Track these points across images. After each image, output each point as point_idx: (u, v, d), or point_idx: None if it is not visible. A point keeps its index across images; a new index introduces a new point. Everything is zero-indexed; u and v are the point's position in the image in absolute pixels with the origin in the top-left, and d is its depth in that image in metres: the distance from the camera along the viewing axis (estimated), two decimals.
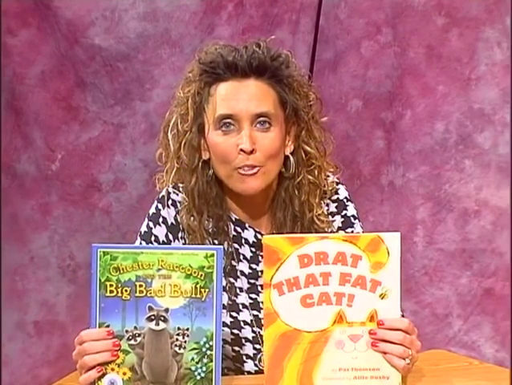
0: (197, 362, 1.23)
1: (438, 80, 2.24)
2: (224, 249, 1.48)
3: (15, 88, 2.20)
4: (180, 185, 1.51)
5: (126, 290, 1.21)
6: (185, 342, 1.23)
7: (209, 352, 1.23)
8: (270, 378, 1.23)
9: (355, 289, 1.22)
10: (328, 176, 1.53)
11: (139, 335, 1.22)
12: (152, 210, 1.51)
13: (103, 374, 1.23)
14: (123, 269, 1.21)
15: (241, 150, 1.38)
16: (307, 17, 2.25)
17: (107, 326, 1.22)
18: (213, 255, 1.23)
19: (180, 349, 1.23)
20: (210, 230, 1.48)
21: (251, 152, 1.38)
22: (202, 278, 1.23)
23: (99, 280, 1.21)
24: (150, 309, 1.22)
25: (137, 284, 1.21)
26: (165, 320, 1.22)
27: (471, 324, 2.29)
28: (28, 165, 2.24)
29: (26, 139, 2.23)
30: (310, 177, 1.48)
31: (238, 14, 2.24)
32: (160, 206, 1.51)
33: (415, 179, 2.29)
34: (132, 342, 1.22)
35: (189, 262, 1.22)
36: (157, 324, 1.22)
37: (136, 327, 1.22)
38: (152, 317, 1.22)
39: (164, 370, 1.23)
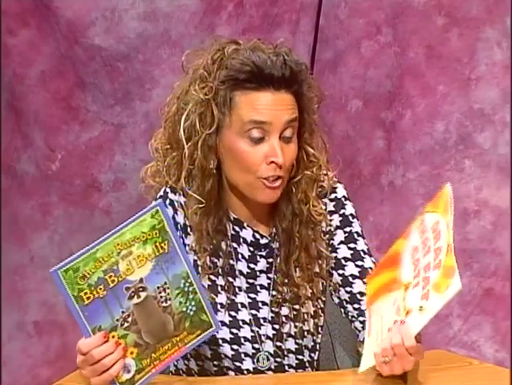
0: (186, 302, 1.27)
1: (438, 80, 2.24)
2: (221, 247, 1.48)
3: (15, 88, 2.20)
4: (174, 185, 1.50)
5: (100, 289, 1.21)
6: (168, 294, 1.26)
7: (191, 288, 1.28)
8: (375, 270, 1.41)
9: (421, 282, 1.26)
10: (326, 174, 1.53)
11: (128, 316, 1.23)
12: None
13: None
14: (88, 273, 1.21)
15: (273, 162, 1.39)
16: (307, 17, 2.25)
17: (100, 327, 1.22)
18: (157, 211, 1.24)
19: (166, 302, 1.26)
20: (208, 229, 1.48)
21: (281, 166, 1.39)
22: (158, 235, 1.24)
23: (73, 296, 1.20)
24: (127, 289, 1.23)
25: (107, 277, 1.22)
26: (144, 289, 1.24)
27: (471, 324, 2.29)
28: (28, 165, 2.24)
29: (26, 139, 2.23)
30: (307, 172, 1.49)
31: (238, 14, 2.24)
32: None
33: (415, 179, 2.29)
34: (126, 324, 1.23)
35: (141, 230, 1.23)
36: (138, 297, 1.24)
37: (123, 312, 1.23)
38: (132, 294, 1.23)
39: (162, 327, 1.26)
